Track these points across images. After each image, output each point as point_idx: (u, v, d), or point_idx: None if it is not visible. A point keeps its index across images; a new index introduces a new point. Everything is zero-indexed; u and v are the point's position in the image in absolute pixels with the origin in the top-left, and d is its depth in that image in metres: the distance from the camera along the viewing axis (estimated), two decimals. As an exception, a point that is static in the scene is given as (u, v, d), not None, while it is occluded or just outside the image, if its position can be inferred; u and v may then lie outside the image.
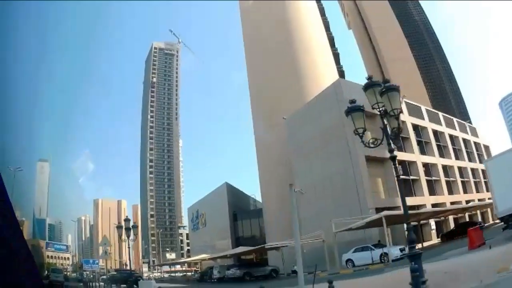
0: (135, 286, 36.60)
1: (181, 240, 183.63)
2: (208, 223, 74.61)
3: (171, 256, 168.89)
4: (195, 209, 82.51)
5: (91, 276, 51.68)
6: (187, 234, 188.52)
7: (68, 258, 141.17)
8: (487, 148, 70.13)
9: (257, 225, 65.77)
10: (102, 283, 40.17)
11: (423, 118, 54.38)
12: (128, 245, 32.13)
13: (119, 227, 32.73)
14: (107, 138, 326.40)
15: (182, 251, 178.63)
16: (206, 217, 75.61)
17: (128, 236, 31.45)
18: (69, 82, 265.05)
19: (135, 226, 34.02)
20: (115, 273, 51.34)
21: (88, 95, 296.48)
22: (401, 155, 45.70)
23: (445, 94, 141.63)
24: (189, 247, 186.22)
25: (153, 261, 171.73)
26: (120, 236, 32.29)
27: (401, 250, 29.96)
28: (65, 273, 64.38)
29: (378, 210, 37.45)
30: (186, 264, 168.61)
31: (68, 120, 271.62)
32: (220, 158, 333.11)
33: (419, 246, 34.31)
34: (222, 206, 67.97)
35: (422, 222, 44.74)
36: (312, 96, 54.07)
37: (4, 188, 2.10)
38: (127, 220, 35.40)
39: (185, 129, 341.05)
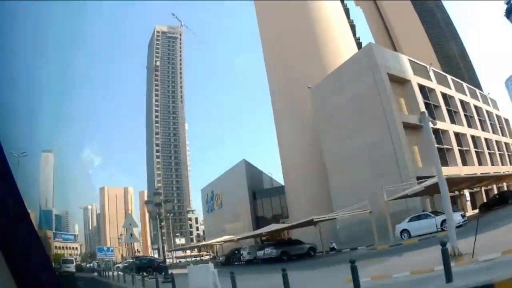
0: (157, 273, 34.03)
1: (190, 225, 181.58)
2: (225, 204, 71.68)
3: (180, 241, 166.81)
4: (209, 190, 79.57)
5: (103, 265, 49.10)
6: (196, 218, 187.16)
7: (76, 248, 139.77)
8: (507, 121, 67.54)
9: (277, 203, 63.04)
10: (119, 273, 35.78)
11: (450, 87, 51.69)
12: (160, 222, 28.61)
13: (148, 202, 29.93)
14: (112, 125, 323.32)
15: (191, 236, 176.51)
16: (222, 198, 72.66)
17: (159, 216, 27.95)
18: (71, 68, 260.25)
19: (168, 201, 31.25)
20: (133, 260, 46.88)
21: (90, 82, 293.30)
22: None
23: (459, 70, 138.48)
24: (198, 232, 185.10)
25: (163, 246, 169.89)
26: (149, 212, 29.41)
27: (462, 216, 27.23)
28: (76, 263, 62.64)
29: (417, 179, 34.91)
30: (196, 249, 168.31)
31: (71, 109, 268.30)
32: (228, 140, 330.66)
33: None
34: (240, 184, 65.15)
35: (457, 193, 42.07)
36: (332, 66, 51.69)
37: (15, 183, 1.98)
38: (157, 193, 32.39)
39: (191, 112, 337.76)
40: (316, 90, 49.59)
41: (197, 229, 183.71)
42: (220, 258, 47.80)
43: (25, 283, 2.03)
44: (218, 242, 55.21)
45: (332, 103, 46.44)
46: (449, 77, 54.03)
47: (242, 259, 42.08)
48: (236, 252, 45.68)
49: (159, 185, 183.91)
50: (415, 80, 44.40)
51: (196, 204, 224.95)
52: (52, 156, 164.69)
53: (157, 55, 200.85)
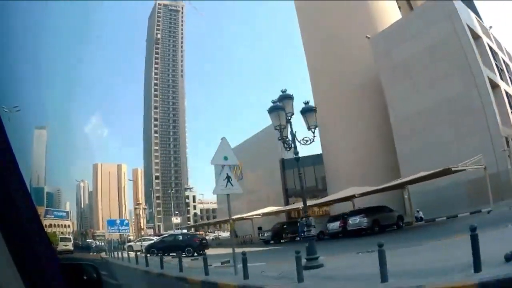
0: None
1: (188, 203, 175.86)
2: (247, 176, 64.88)
3: (177, 220, 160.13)
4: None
5: (107, 244, 43.67)
6: (193, 197, 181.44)
7: (68, 226, 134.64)
8: None
9: (311, 173, 57.06)
10: (129, 253, 29.38)
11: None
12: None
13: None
14: (109, 100, 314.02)
15: (188, 215, 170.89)
16: (242, 168, 65.78)
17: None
18: (70, 41, 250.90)
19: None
20: (162, 237, 37.78)
21: (89, 55, 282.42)
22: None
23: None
24: (195, 210, 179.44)
25: (158, 225, 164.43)
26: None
27: None
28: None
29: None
30: (193, 229, 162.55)
31: (66, 81, 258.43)
32: (227, 117, 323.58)
33: None
34: (267, 152, 58.93)
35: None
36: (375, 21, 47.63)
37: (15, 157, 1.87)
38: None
39: (191, 88, 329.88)
40: (377, 40, 43.75)
41: (194, 208, 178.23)
42: (265, 235, 40.37)
43: (24, 260, 1.84)
44: (253, 215, 48.02)
45: (399, 53, 40.54)
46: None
47: (301, 234, 35.41)
48: (285, 226, 39.62)
49: (157, 161, 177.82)
50: (484, 39, 39.19)
51: (193, 182, 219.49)
52: (45, 133, 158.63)
53: (158, 27, 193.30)
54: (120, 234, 36.71)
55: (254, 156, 61.67)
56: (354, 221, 28.33)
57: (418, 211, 32.61)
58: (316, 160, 54.56)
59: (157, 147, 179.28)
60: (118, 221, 36.33)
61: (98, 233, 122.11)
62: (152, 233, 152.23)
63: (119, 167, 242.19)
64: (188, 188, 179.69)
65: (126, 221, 37.73)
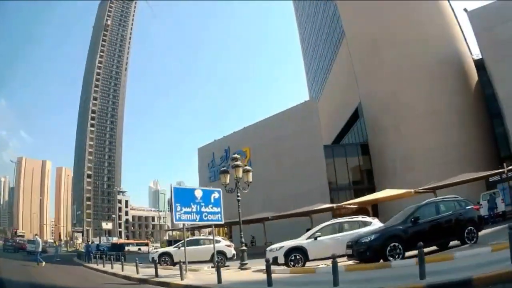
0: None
1: (120, 208, 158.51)
2: (259, 165, 45.80)
3: (107, 226, 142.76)
4: (219, 147, 56.23)
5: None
6: (126, 201, 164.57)
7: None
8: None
9: (355, 165, 47.48)
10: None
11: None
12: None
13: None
14: (41, 87, 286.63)
15: (119, 221, 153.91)
16: (252, 155, 50.28)
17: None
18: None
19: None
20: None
21: (20, 36, 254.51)
22: None
23: None
24: (127, 217, 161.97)
25: (87, 230, 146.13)
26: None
27: None
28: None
29: None
30: (126, 237, 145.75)
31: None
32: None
33: None
34: (302, 131, 45.74)
35: None
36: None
37: None
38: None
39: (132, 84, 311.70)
40: (479, 14, 37.62)
41: (126, 213, 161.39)
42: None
43: None
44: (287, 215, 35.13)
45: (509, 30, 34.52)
46: None
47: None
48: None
49: (90, 157, 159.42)
50: None
51: (126, 186, 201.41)
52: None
53: (109, 13, 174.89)
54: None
55: (281, 139, 47.84)
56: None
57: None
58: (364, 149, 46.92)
59: (92, 142, 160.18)
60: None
61: (19, 233, 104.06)
62: (81, 238, 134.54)
63: (43, 164, 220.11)
64: (121, 192, 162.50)
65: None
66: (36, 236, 28.53)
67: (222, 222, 16.56)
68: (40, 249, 26.71)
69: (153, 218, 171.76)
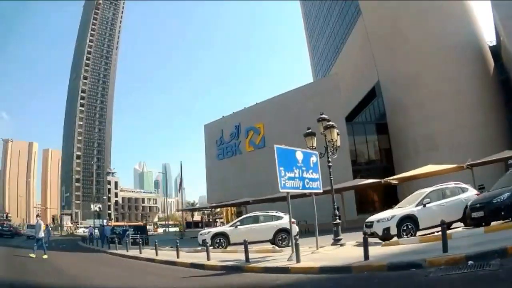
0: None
1: (109, 190, 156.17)
2: (275, 142, 45.44)
3: (96, 207, 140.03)
4: (228, 124, 52.81)
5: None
6: (115, 183, 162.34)
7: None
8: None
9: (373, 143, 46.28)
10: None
11: None
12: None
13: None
14: (28, 65, 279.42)
15: (109, 203, 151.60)
16: (266, 132, 47.07)
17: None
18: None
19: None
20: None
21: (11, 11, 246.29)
22: None
23: None
24: (117, 198, 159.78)
25: (76, 212, 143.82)
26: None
27: None
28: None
29: None
30: (115, 219, 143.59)
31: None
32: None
33: None
34: (324, 106, 43.03)
35: None
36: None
37: None
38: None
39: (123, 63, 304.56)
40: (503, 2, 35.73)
41: (116, 195, 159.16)
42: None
43: None
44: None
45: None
46: None
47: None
48: None
49: (80, 138, 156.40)
50: None
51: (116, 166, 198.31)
52: None
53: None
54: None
55: (301, 115, 44.95)
56: None
57: None
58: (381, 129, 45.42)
59: (81, 122, 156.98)
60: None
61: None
62: (70, 221, 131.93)
63: (30, 145, 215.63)
64: (111, 173, 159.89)
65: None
66: (38, 218, 23.67)
67: (321, 191, 14.46)
68: (42, 235, 22.51)
69: (142, 200, 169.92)
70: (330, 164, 15.98)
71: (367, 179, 32.63)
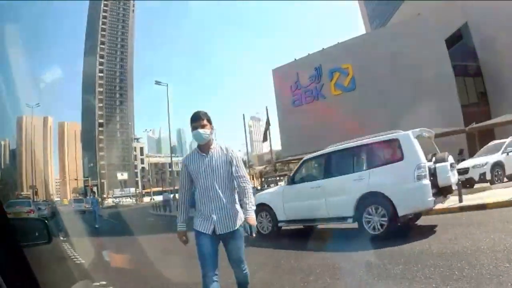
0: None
1: (135, 156, 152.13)
2: (368, 85, 40.40)
3: (122, 176, 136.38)
4: (305, 66, 46.40)
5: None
6: (141, 149, 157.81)
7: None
8: None
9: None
10: None
11: None
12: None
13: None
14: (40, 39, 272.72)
15: (136, 170, 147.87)
16: (356, 74, 41.86)
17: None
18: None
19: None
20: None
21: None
22: None
23: None
24: (143, 165, 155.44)
25: (102, 182, 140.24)
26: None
27: None
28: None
29: None
30: (142, 187, 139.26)
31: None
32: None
33: None
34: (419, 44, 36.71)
35: None
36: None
37: None
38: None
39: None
40: None
41: (142, 161, 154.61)
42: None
43: None
44: None
45: None
46: None
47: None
48: None
49: (101, 105, 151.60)
50: None
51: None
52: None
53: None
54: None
55: (398, 54, 38.70)
56: None
57: None
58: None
59: (101, 89, 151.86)
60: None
61: (24, 194, 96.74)
62: (95, 190, 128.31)
63: (45, 120, 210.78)
64: (136, 139, 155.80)
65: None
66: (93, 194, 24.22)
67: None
68: (97, 208, 23.50)
69: (169, 165, 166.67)
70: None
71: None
